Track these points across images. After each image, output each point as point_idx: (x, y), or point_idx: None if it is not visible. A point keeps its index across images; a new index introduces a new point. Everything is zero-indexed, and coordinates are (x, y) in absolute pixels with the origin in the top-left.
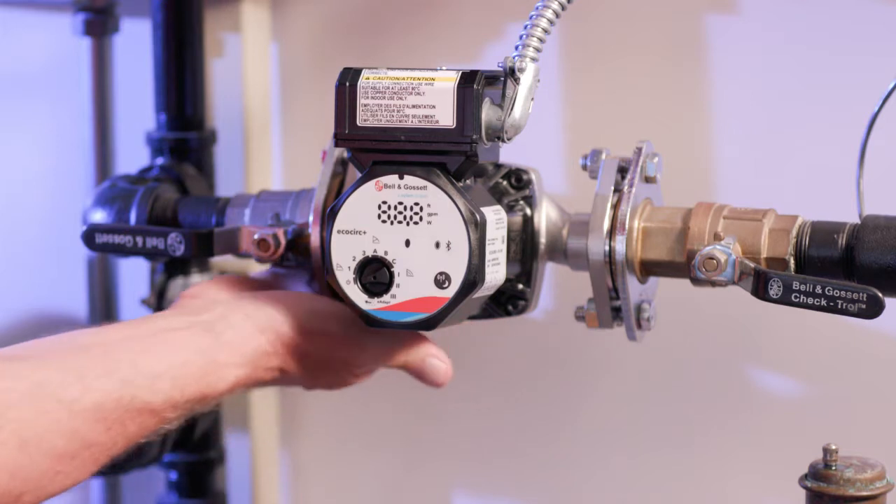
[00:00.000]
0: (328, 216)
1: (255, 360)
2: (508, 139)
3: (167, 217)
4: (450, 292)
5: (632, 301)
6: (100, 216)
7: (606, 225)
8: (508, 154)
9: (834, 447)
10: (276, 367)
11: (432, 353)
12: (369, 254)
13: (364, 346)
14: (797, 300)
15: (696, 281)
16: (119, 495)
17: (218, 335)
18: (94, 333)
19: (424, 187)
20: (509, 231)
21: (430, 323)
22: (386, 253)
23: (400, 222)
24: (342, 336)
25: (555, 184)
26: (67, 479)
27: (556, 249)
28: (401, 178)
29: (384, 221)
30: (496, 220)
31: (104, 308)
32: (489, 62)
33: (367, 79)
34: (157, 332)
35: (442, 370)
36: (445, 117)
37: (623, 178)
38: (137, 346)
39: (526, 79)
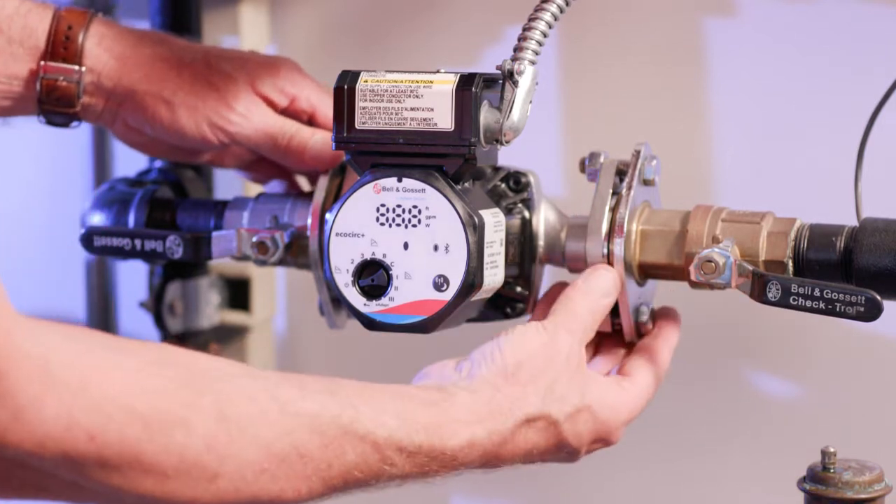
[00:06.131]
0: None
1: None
2: (507, 142)
3: (165, 220)
4: (448, 295)
5: (630, 304)
6: (98, 219)
7: (605, 228)
8: (507, 157)
9: (832, 450)
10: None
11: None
12: (367, 256)
13: None
14: (795, 303)
15: (695, 284)
16: None
17: (450, 394)
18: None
19: (423, 190)
20: (508, 234)
21: (429, 326)
22: (384, 256)
23: (398, 225)
24: None
25: (553, 186)
26: (274, 483)
27: (555, 252)
28: (399, 180)
29: (382, 224)
30: (494, 222)
31: (103, 311)
32: (488, 65)
33: (366, 81)
34: (386, 386)
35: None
36: (444, 120)
37: (621, 180)
38: (364, 385)
39: (524, 82)
